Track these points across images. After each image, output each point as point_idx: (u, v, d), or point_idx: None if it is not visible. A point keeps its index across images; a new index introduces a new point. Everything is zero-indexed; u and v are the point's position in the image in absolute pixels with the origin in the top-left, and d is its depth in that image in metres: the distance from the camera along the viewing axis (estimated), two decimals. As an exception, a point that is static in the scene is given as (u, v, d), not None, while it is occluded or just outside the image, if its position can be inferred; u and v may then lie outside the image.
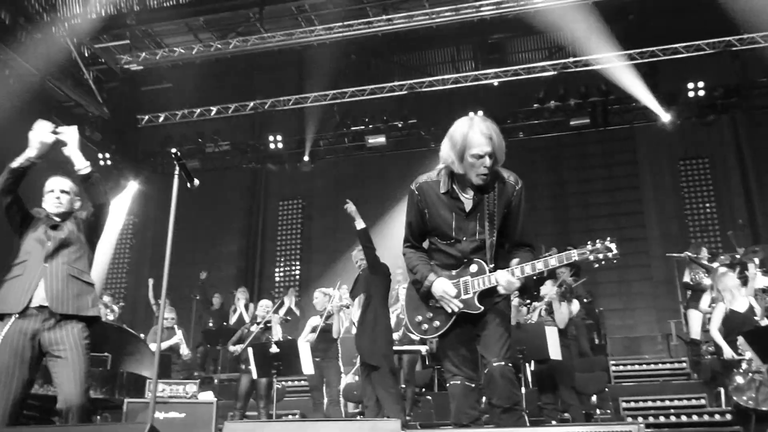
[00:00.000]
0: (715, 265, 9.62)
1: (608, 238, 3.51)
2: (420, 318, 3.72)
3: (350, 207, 6.65)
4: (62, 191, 4.24)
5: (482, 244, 3.59)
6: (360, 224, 6.65)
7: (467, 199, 3.60)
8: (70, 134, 4.18)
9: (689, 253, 9.94)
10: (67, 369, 3.77)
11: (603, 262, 3.48)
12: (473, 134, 3.44)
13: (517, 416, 3.52)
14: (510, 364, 3.53)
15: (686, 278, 10.15)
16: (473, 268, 3.60)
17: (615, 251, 3.47)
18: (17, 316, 3.82)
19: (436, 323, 3.66)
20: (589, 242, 3.52)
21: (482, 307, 3.57)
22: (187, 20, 13.37)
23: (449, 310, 3.58)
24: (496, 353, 3.51)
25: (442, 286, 3.59)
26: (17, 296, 3.86)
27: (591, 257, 3.48)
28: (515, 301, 7.81)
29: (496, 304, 3.62)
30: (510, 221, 3.61)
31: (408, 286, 3.90)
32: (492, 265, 3.56)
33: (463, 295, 3.59)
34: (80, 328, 3.92)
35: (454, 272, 3.64)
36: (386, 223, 14.23)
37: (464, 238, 3.61)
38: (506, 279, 3.48)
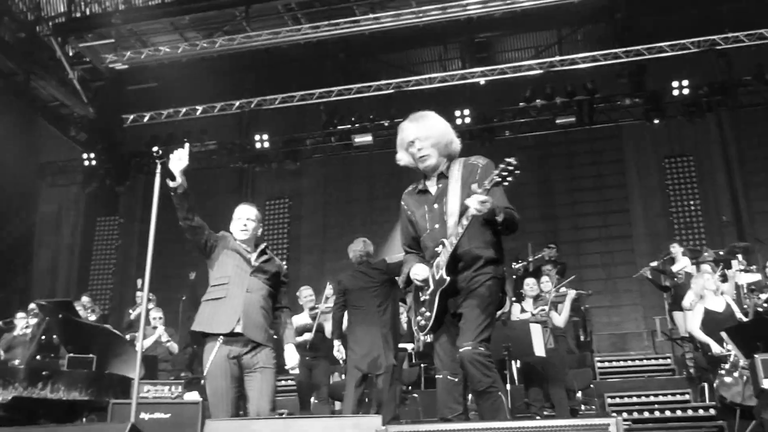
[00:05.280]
0: (677, 268, 9.77)
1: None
2: (420, 317, 3.76)
3: None
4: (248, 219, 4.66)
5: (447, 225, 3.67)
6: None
7: (433, 187, 3.79)
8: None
9: (653, 264, 10.09)
10: (260, 385, 4.32)
11: (510, 177, 3.39)
12: (402, 126, 3.85)
13: (492, 398, 3.48)
14: (480, 347, 3.47)
15: (667, 282, 10.28)
16: (439, 248, 3.66)
17: (515, 162, 3.37)
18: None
19: (428, 313, 3.68)
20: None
21: (447, 278, 3.57)
22: (172, 19, 13.28)
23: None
24: (465, 338, 3.51)
25: (415, 270, 3.70)
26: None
27: (498, 178, 3.40)
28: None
29: (472, 291, 3.60)
30: None
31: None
32: (452, 239, 3.58)
33: (436, 275, 3.64)
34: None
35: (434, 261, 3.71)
36: (374, 222, 14.26)
37: (437, 226, 3.71)
38: (474, 199, 3.41)
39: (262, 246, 4.68)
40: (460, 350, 3.49)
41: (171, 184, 4.23)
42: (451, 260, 3.59)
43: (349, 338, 6.66)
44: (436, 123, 3.81)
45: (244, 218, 4.64)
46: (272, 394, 4.37)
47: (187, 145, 4.34)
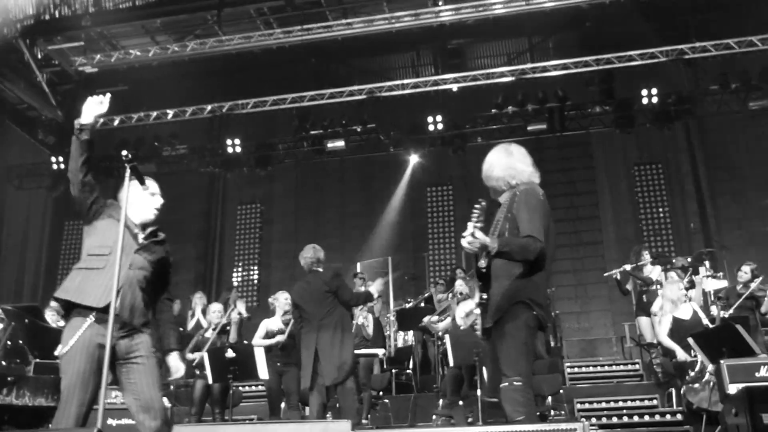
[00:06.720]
0: (653, 276, 9.81)
1: None
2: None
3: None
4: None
5: None
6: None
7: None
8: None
9: (626, 267, 10.09)
10: (145, 375, 3.75)
11: (481, 217, 3.60)
12: None
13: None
14: (516, 382, 3.59)
15: (629, 286, 10.31)
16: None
17: (478, 205, 3.65)
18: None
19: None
20: None
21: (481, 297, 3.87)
22: (143, 22, 13.15)
23: None
24: (503, 373, 3.66)
25: None
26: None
27: (473, 221, 3.60)
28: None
29: (497, 323, 3.73)
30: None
31: None
32: (482, 261, 3.74)
33: None
34: None
35: None
36: (346, 227, 14.24)
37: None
38: (463, 240, 3.61)
39: (154, 228, 4.11)
40: (500, 387, 3.66)
41: (77, 121, 3.91)
42: (482, 281, 3.81)
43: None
44: (483, 166, 4.13)
45: (159, 195, 4.19)
46: (160, 385, 3.84)
47: (108, 94, 3.95)
